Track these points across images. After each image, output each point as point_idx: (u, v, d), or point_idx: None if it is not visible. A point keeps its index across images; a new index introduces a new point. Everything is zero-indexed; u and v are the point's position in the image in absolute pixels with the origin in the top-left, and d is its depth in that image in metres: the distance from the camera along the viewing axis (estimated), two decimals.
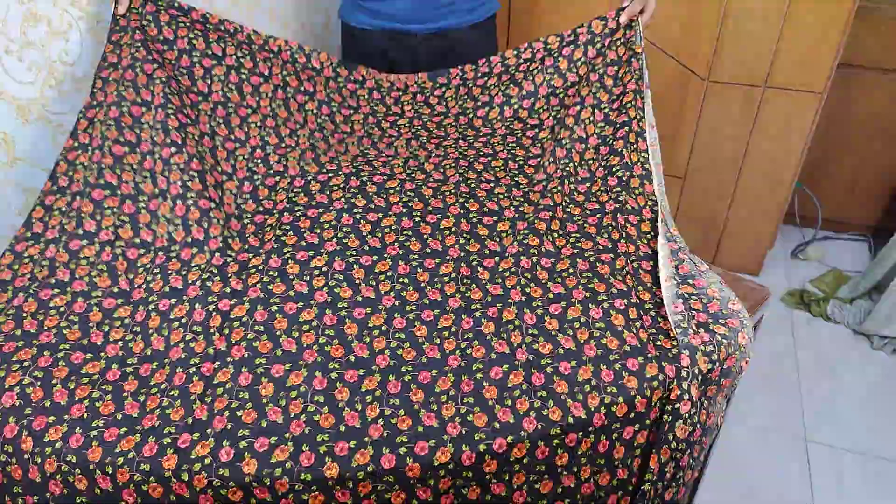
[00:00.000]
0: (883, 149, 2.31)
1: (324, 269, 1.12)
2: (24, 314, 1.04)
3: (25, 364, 0.98)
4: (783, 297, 2.26)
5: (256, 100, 1.38)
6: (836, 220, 2.52)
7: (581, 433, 0.91)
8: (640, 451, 0.98)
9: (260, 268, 1.13)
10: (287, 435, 0.91)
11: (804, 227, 2.53)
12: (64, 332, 1.03)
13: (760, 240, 2.28)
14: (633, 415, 0.94)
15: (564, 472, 0.93)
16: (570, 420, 0.91)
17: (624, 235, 1.18)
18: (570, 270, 1.13)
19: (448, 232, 1.20)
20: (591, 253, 1.16)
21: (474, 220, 1.23)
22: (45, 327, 1.03)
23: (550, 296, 1.08)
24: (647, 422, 0.96)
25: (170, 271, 1.11)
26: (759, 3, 1.85)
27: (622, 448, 0.96)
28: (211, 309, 1.06)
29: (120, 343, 1.03)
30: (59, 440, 0.90)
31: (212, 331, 1.04)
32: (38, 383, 0.96)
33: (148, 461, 0.88)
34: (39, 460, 0.89)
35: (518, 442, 0.89)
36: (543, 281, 1.11)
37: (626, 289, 1.09)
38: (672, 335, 0.99)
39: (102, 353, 1.01)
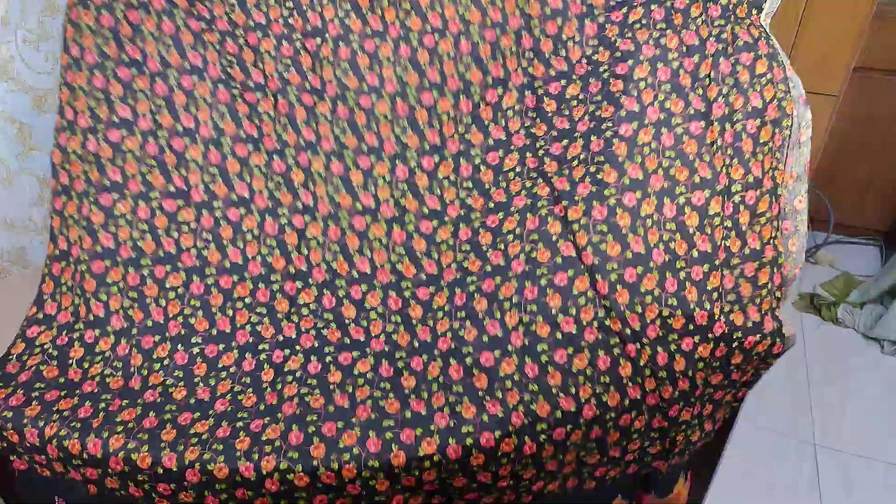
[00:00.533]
0: None
1: (386, 177, 1.11)
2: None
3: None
4: (793, 301, 2.25)
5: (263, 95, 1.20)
6: (848, 224, 2.51)
7: (638, 344, 0.93)
8: (702, 365, 0.95)
9: (322, 175, 1.11)
10: (368, 350, 0.99)
11: (816, 231, 2.52)
12: (138, 243, 1.04)
13: None
14: (691, 327, 0.93)
15: (630, 384, 0.93)
16: (628, 332, 0.93)
17: (725, 89, 1.01)
18: (652, 146, 1.00)
19: (512, 113, 1.11)
20: (680, 119, 1.02)
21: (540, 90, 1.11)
22: (121, 238, 1.04)
23: (626, 181, 0.99)
24: (710, 336, 0.93)
25: (231, 175, 1.10)
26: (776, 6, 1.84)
27: (682, 360, 0.94)
28: (283, 223, 1.08)
29: (194, 251, 1.05)
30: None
31: (289, 248, 1.06)
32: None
33: (248, 374, 0.96)
34: (145, 373, 0.97)
35: (578, 353, 0.92)
36: (620, 160, 1.00)
37: (710, 176, 0.98)
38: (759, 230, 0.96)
39: (179, 264, 1.04)
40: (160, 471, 0.88)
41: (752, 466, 1.69)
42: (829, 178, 2.39)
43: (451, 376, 0.93)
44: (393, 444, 0.87)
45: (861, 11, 1.77)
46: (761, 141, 0.98)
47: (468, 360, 0.93)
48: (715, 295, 0.93)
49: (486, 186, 1.06)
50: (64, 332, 0.98)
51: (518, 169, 1.06)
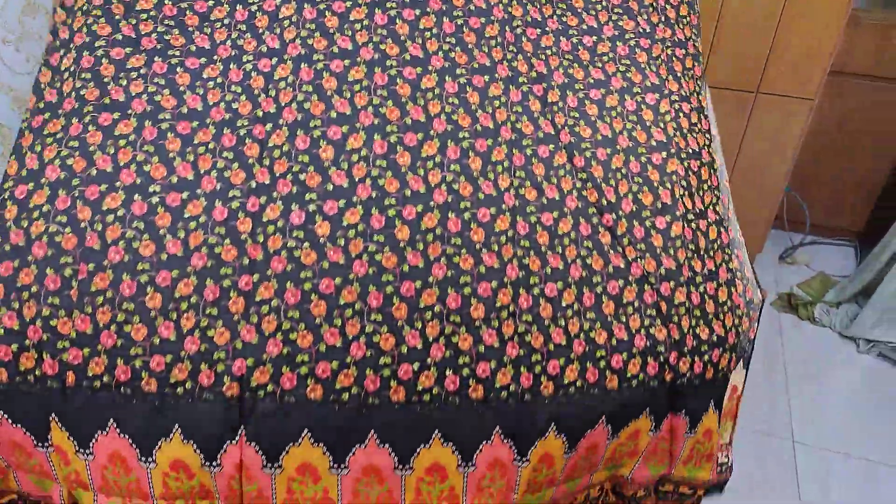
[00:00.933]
0: (870, 155, 2.34)
1: (365, 22, 1.06)
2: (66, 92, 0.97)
3: (59, 136, 0.93)
4: (771, 301, 2.29)
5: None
6: (824, 225, 2.55)
7: (614, 215, 1.02)
8: (679, 243, 1.04)
9: (293, 19, 1.04)
10: (355, 199, 0.93)
11: (792, 232, 2.56)
12: (81, 91, 0.96)
13: (749, 244, 2.29)
14: (660, 205, 1.04)
15: (611, 251, 1.01)
16: (604, 202, 1.02)
17: (664, 18, 1.20)
18: (609, 55, 1.15)
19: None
20: (632, 35, 1.17)
21: None
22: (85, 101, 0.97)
23: (591, 80, 1.12)
24: (678, 213, 1.05)
25: (189, 27, 1.01)
26: (753, 10, 1.87)
27: (659, 237, 1.03)
28: (248, 69, 1.00)
29: (144, 97, 0.96)
30: (121, 206, 0.89)
31: (256, 92, 0.98)
32: (78, 153, 0.92)
33: (222, 225, 0.89)
34: (100, 227, 0.88)
35: (563, 217, 0.99)
36: (585, 63, 1.13)
37: (658, 82, 1.14)
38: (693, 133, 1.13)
39: (130, 111, 0.95)
40: (157, 341, 0.84)
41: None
42: (805, 180, 2.43)
43: (449, 229, 0.93)
44: (394, 298, 0.89)
45: (836, 17, 1.81)
46: (686, 67, 1.19)
47: (466, 216, 0.95)
48: (674, 178, 1.06)
49: (470, 47, 1.08)
50: None
51: (499, 39, 1.09)
